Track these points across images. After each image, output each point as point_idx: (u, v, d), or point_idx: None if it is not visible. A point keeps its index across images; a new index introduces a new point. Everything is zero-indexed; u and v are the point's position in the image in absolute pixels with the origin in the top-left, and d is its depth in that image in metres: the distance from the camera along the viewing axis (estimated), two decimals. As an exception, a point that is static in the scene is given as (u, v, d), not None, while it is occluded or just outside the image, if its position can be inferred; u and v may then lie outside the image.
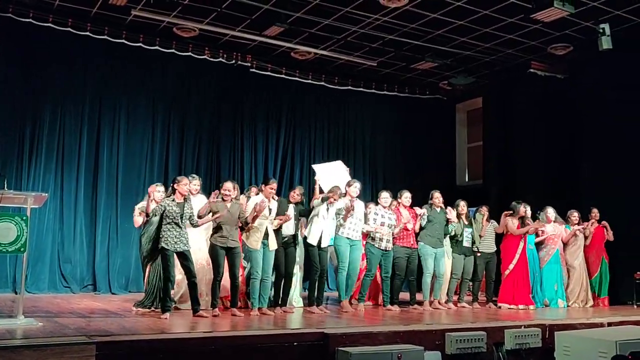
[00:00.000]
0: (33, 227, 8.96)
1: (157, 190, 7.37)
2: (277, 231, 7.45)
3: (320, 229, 7.65)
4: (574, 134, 11.28)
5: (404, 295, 8.93)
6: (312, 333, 5.51)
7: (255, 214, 6.97)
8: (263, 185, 7.51)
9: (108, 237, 10.25)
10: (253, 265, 7.17)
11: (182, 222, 6.59)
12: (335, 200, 7.64)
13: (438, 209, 8.51)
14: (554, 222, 9.48)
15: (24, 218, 5.74)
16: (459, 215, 8.81)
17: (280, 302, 7.60)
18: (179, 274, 7.06)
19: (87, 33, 10.00)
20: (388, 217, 8.13)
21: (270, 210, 7.23)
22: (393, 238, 8.24)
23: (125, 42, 10.32)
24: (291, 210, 7.60)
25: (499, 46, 10.95)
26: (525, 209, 9.21)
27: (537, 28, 9.98)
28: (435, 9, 9.47)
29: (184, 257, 6.64)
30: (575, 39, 10.43)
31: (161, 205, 6.60)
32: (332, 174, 8.67)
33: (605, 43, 9.18)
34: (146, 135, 10.79)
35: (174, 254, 6.58)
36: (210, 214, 6.85)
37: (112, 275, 10.09)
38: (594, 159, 10.78)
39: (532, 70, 11.53)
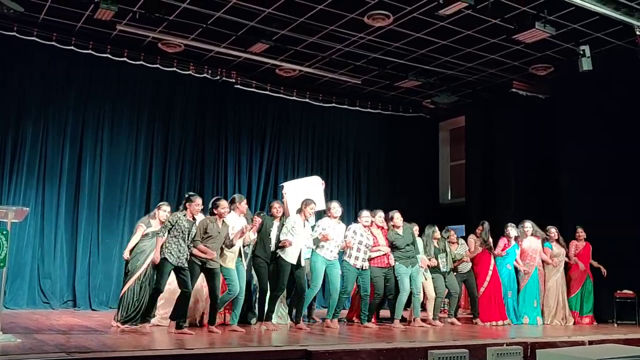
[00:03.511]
0: (13, 242, 8.81)
1: (162, 210, 7.33)
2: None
3: (299, 247, 7.55)
4: (555, 153, 11.42)
5: (385, 313, 8.93)
6: (294, 350, 5.47)
7: (241, 235, 6.96)
8: (237, 203, 7.42)
9: (89, 253, 10.14)
10: (228, 283, 7.11)
11: (188, 238, 6.61)
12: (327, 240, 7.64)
13: (399, 230, 8.42)
14: (532, 236, 9.53)
15: (5, 232, 5.67)
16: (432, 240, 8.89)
17: (265, 318, 7.56)
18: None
19: (72, 47, 9.98)
20: (366, 237, 8.11)
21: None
22: (369, 259, 8.26)
23: (110, 56, 10.31)
24: (275, 227, 7.56)
25: (482, 66, 11.10)
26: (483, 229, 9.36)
27: (519, 49, 10.13)
28: (419, 28, 9.59)
29: (183, 271, 6.60)
30: (556, 60, 10.60)
31: (172, 219, 6.61)
32: (304, 190, 8.62)
33: (586, 64, 9.33)
34: (129, 150, 10.73)
35: (172, 268, 6.55)
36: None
37: (92, 291, 9.97)
38: (575, 178, 10.91)
39: (514, 90, 11.69)
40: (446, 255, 8.93)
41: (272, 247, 7.53)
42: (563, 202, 11.06)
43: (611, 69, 10.14)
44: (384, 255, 8.26)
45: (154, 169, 10.93)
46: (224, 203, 6.97)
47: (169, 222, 6.62)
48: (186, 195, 6.89)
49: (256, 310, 7.77)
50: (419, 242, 8.78)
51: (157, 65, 10.75)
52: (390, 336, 7.03)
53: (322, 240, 7.71)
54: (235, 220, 7.26)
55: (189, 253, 6.66)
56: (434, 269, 8.79)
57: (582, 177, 10.70)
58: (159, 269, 6.57)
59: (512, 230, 9.36)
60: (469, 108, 13.02)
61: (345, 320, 8.88)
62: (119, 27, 9.59)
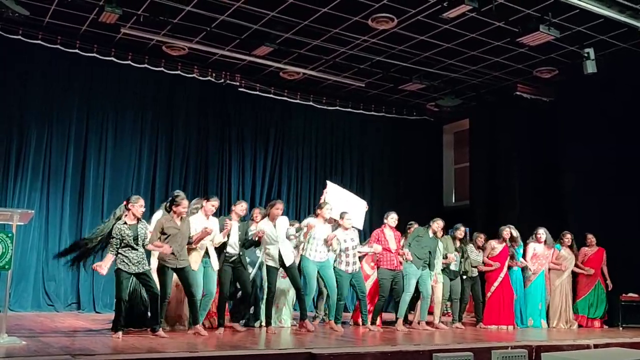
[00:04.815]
0: (17, 245, 8.82)
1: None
2: (221, 250, 7.26)
3: (276, 249, 7.44)
4: (560, 156, 11.41)
5: (390, 316, 8.90)
6: (299, 353, 5.47)
7: (201, 236, 6.83)
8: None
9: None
10: (193, 284, 6.83)
11: (137, 244, 6.35)
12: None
13: (431, 235, 8.42)
14: (544, 243, 9.48)
15: (10, 235, 5.68)
16: (454, 238, 9.01)
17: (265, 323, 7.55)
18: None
19: (76, 50, 10.02)
20: (350, 239, 8.01)
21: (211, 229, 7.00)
22: (376, 260, 8.28)
23: (114, 59, 10.33)
24: (235, 228, 7.29)
25: (486, 69, 11.09)
26: (509, 232, 9.29)
27: (523, 51, 10.13)
28: (423, 31, 9.59)
29: (144, 276, 6.44)
30: (560, 63, 10.59)
31: (115, 233, 6.33)
32: (345, 199, 8.61)
33: (590, 67, 9.33)
34: (133, 153, 10.75)
35: (131, 276, 6.40)
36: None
37: (96, 293, 9.98)
38: (580, 180, 10.88)
39: (518, 92, 11.68)
40: (463, 257, 8.98)
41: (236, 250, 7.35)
42: (568, 204, 11.03)
43: (616, 71, 10.13)
44: (391, 256, 8.26)
45: (158, 172, 10.94)
46: (184, 202, 6.70)
47: (114, 237, 6.34)
48: (128, 199, 6.55)
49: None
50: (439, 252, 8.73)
51: (162, 68, 10.78)
52: (395, 339, 7.02)
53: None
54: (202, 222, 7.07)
55: (144, 257, 6.41)
56: (445, 270, 8.81)
57: (588, 180, 10.67)
58: (116, 279, 6.34)
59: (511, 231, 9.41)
60: (473, 111, 13.01)
61: (350, 322, 8.86)
62: (123, 30, 9.61)
